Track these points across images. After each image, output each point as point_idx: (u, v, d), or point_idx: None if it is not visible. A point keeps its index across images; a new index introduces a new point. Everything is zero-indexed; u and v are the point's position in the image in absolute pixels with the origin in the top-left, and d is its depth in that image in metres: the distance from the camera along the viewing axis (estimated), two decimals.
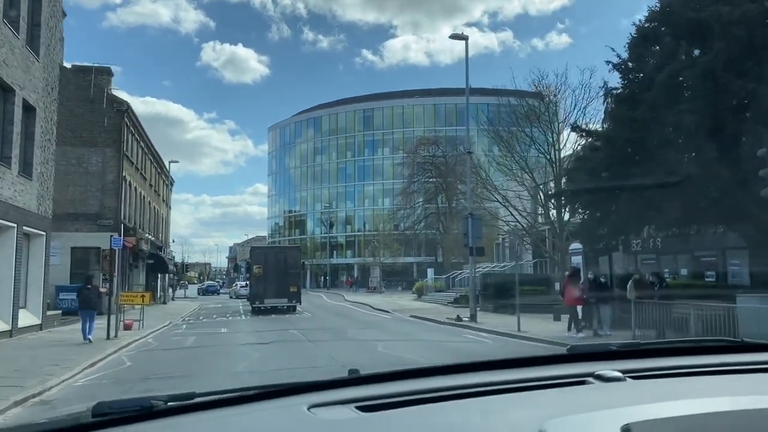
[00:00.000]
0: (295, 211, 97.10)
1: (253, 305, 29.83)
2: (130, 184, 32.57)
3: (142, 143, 36.01)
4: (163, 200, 46.61)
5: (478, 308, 23.25)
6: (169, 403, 1.32)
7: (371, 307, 34.64)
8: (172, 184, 52.92)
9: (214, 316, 29.20)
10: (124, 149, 30.60)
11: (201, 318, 28.68)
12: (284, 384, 1.46)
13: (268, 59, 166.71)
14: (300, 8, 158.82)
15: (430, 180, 75.53)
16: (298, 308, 31.04)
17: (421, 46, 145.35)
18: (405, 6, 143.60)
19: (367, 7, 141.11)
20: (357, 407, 1.30)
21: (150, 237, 39.09)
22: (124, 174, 30.67)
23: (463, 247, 63.85)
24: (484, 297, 28.40)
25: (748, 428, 1.15)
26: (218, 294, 68.02)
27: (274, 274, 29.27)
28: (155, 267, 40.02)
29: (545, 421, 1.07)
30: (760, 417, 1.17)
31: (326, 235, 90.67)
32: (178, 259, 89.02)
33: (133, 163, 33.36)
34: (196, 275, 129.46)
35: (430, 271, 43.90)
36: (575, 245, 18.12)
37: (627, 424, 1.04)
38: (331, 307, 37.29)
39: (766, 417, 1.17)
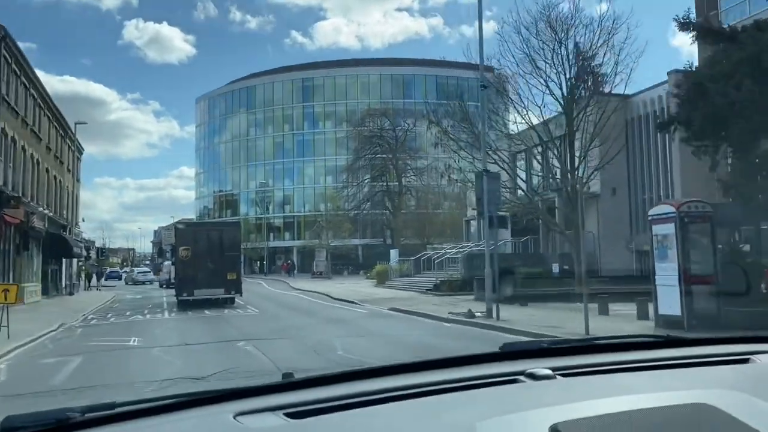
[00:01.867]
0: (226, 192, 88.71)
1: (180, 297, 23.43)
2: (13, 141, 24.67)
3: (32, 90, 27.94)
4: (69, 170, 38.28)
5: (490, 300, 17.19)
6: (87, 414, 1.26)
7: (330, 297, 28.32)
8: (81, 153, 44.37)
9: (128, 313, 22.07)
10: (2, 91, 22.76)
11: (109, 316, 21.51)
12: (210, 391, 1.42)
13: (194, 39, 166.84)
14: None
15: (378, 156, 69.41)
16: (237, 300, 24.45)
17: (351, 29, 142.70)
18: None
19: None
20: (285, 414, 1.27)
21: (47, 213, 31.07)
22: (3, 126, 22.86)
23: (416, 228, 58.36)
24: (479, 285, 22.70)
25: (673, 424, 1.17)
26: (151, 283, 58.89)
27: (206, 258, 23.11)
28: (56, 250, 32.06)
29: (477, 422, 1.06)
30: (685, 412, 1.19)
31: (262, 216, 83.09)
32: (98, 244, 79.35)
33: (18, 114, 25.41)
34: (119, 261, 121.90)
35: (393, 253, 37.78)
36: (662, 209, 12.45)
37: (555, 423, 1.04)
38: (278, 297, 30.63)
39: (692, 411, 1.19)
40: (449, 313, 17.51)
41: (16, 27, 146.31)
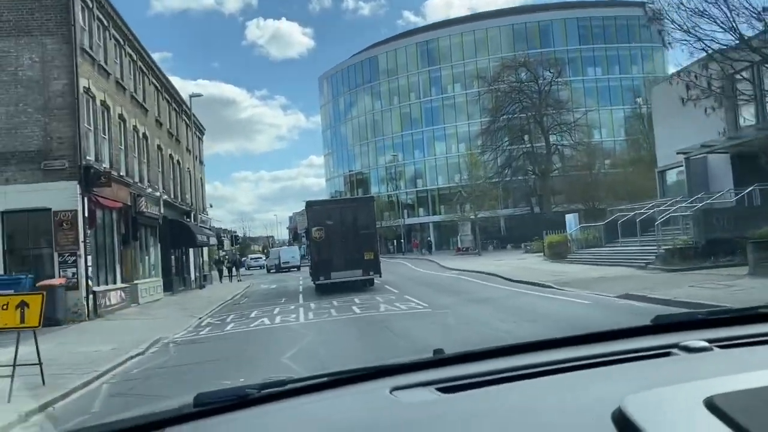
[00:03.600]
0: (355, 171, 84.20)
1: (316, 282, 21.68)
2: (104, 105, 20.08)
3: (127, 46, 23.38)
4: (188, 150, 34.31)
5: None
6: (263, 391, 1.37)
7: (503, 278, 21.51)
8: (202, 133, 40.67)
9: (253, 314, 16.57)
10: (81, 41, 17.99)
11: (229, 321, 16.10)
12: (367, 368, 1.49)
13: (312, 31, 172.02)
14: None
15: (517, 116, 60.96)
16: (387, 287, 20.19)
17: (463, 2, 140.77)
18: None
19: None
20: (438, 389, 1.31)
21: (163, 196, 26.82)
22: (86, 84, 18.16)
23: (573, 192, 49.44)
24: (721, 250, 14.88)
25: None
26: (299, 269, 53.05)
27: (340, 238, 21.36)
28: (177, 240, 27.88)
29: (625, 396, 1.02)
30: None
31: (393, 193, 77.62)
32: (239, 233, 77.06)
33: (108, 72, 20.81)
34: (260, 249, 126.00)
35: (571, 219, 29.91)
36: None
37: (710, 396, 0.98)
38: (437, 281, 24.22)
39: None
40: None
41: (150, 38, 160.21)
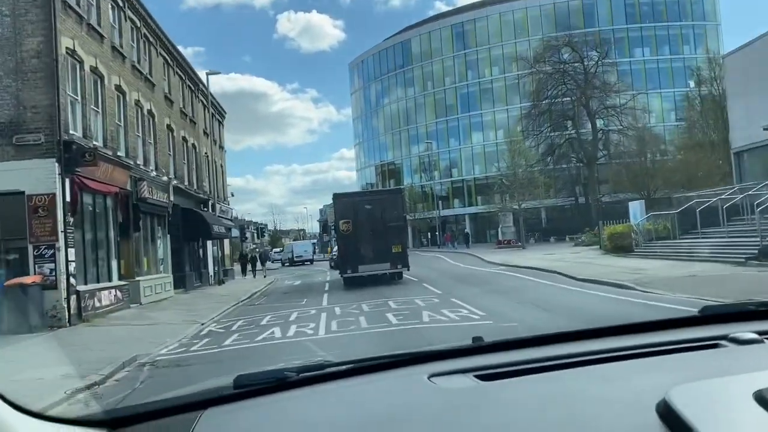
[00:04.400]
0: (387, 161, 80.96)
1: (344, 275, 21.39)
2: (96, 72, 17.16)
3: (128, 9, 20.44)
4: (206, 133, 31.50)
5: None
6: (302, 374, 1.38)
7: (567, 276, 18.02)
8: (223, 117, 37.90)
9: (265, 321, 13.45)
10: None
11: (237, 328, 12.99)
12: (406, 353, 1.49)
13: (342, 23, 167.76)
14: None
15: (560, 99, 56.78)
16: (426, 287, 17.87)
17: None
18: None
19: None
20: (476, 376, 1.30)
21: (174, 181, 24.00)
22: (70, 44, 15.25)
23: (624, 180, 45.19)
24: None
25: None
26: (312, 263, 51.99)
27: (368, 231, 21.16)
28: (189, 231, 25.04)
29: (670, 388, 1.00)
30: None
31: (427, 183, 74.10)
32: (270, 226, 73.66)
33: (100, 35, 17.89)
34: (291, 241, 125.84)
35: (636, 206, 26.01)
36: None
37: (761, 389, 0.95)
38: (485, 280, 20.79)
39: None
40: None
41: (184, 33, 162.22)
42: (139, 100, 20.58)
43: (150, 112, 21.80)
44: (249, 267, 33.17)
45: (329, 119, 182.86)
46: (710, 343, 1.38)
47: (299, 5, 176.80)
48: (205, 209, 28.60)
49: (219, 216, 30.48)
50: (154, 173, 21.50)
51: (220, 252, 31.43)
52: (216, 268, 29.77)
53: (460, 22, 73.79)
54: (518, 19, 70.42)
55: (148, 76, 22.04)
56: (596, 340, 1.48)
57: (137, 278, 19.04)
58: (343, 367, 1.43)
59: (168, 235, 23.11)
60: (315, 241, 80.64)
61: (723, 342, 1.37)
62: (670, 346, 1.37)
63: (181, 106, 26.88)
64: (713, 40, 63.59)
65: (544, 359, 1.35)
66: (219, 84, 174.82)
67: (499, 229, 46.99)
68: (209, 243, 29.22)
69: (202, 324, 14.13)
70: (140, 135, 20.74)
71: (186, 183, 26.52)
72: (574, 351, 1.39)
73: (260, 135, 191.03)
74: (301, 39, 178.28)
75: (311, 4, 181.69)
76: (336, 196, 23.04)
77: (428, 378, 1.29)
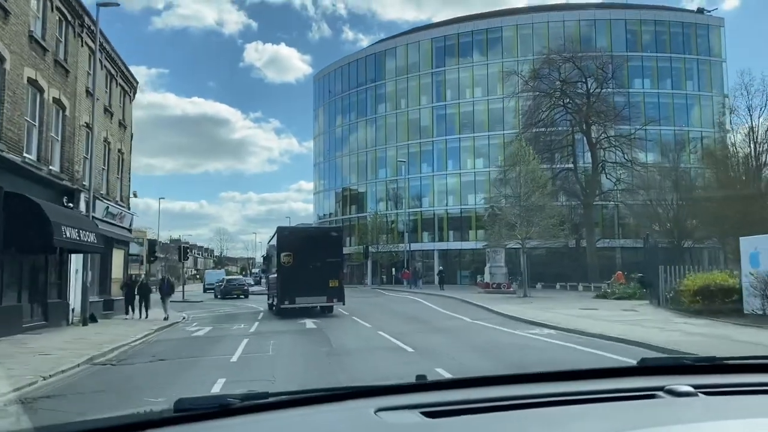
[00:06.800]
0: (350, 185, 71.58)
1: (282, 305, 21.81)
2: None
3: None
4: (90, 93, 21.11)
5: None
6: (245, 402, 1.34)
7: None
8: (134, 85, 27.75)
9: None
10: None
11: None
12: (353, 387, 1.46)
13: (310, 58, 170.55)
14: (340, 8, 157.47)
15: (556, 125, 48.60)
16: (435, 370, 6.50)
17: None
18: (446, 1, 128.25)
19: (406, 6, 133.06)
20: (422, 413, 1.29)
21: (4, 153, 13.69)
22: None
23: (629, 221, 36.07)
24: None
25: None
26: (246, 297, 41.78)
27: (308, 264, 21.77)
28: (19, 233, 14.68)
29: None
30: None
31: (394, 211, 64.68)
32: (216, 252, 60.17)
33: None
34: (238, 269, 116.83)
35: (747, 243, 16.77)
36: None
37: None
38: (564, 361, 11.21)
39: None
40: None
41: (149, 54, 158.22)
42: None
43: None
44: (138, 300, 22.18)
45: (290, 150, 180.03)
46: (648, 394, 1.38)
47: (268, 37, 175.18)
48: (70, 204, 18.34)
49: (96, 219, 20.09)
50: None
51: (96, 274, 20.96)
52: (83, 299, 19.28)
53: (441, 36, 65.79)
54: (507, 37, 62.79)
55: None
56: (540, 384, 1.47)
57: None
58: (288, 397, 1.40)
59: None
60: (258, 270, 70.31)
61: (660, 393, 1.37)
62: (609, 394, 1.37)
63: (42, 39, 16.79)
64: (717, 77, 57.45)
65: (489, 399, 1.34)
66: (181, 107, 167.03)
67: (487, 269, 37.41)
68: (73, 258, 18.89)
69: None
70: None
71: (35, 158, 16.29)
72: (518, 393, 1.38)
73: (218, 161, 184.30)
74: (267, 69, 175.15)
75: (280, 37, 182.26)
76: (280, 230, 23.99)
77: (375, 412, 1.27)
